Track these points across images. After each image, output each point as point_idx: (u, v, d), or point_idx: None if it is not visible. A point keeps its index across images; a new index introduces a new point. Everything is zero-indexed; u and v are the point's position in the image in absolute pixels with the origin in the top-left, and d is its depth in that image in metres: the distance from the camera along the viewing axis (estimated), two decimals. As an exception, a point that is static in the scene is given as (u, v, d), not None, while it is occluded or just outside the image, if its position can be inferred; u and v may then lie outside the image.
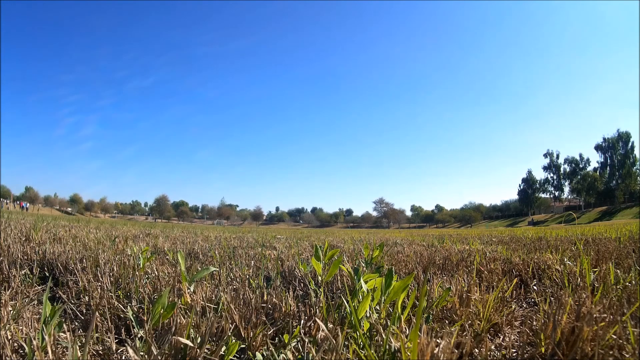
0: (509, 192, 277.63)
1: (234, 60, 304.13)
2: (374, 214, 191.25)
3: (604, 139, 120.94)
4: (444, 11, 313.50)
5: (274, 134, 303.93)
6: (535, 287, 3.74)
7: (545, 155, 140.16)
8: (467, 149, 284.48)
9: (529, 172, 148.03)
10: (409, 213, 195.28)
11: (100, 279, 3.26)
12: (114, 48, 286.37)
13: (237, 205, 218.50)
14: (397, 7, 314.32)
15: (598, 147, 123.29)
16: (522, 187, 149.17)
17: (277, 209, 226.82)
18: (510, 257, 5.11)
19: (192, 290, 2.87)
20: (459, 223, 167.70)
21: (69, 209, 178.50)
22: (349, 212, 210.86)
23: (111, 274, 3.43)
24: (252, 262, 4.76)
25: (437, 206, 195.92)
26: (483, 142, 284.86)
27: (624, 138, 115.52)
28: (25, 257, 4.28)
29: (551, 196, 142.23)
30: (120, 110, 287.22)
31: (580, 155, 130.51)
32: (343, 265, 3.55)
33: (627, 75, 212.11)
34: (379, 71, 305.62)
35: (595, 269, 3.91)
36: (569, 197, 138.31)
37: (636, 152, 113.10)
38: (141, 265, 3.70)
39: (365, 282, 2.54)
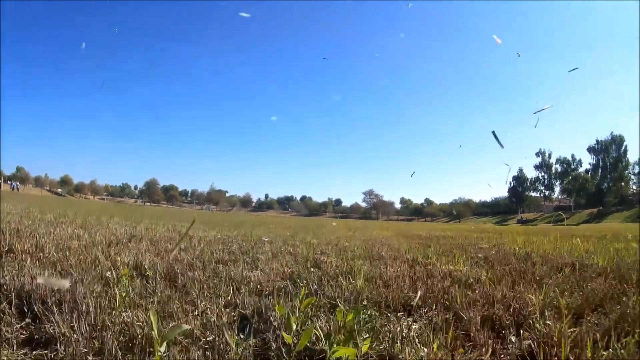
0: (499, 189, 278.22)
1: (229, 50, 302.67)
2: (363, 205, 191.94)
3: (597, 141, 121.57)
4: (442, 7, 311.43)
5: (267, 122, 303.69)
6: (514, 339, 3.69)
7: (537, 154, 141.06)
8: (458, 143, 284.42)
9: (520, 170, 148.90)
10: (398, 205, 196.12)
11: (76, 325, 3.17)
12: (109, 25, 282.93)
13: (227, 191, 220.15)
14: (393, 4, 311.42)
15: (591, 149, 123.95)
16: (512, 184, 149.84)
17: (267, 196, 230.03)
18: (492, 293, 5.06)
19: (162, 351, 2.78)
20: (447, 217, 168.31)
21: (59, 190, 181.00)
22: (338, 202, 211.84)
23: (87, 317, 3.35)
24: (231, 289, 4.71)
25: (427, 200, 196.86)
26: (474, 137, 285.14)
27: (617, 141, 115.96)
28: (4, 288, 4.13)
29: (541, 195, 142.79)
30: (112, 92, 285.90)
31: (573, 156, 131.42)
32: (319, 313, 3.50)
33: (623, 78, 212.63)
34: (374, 64, 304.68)
35: (581, 319, 3.91)
36: (560, 197, 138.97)
37: (629, 156, 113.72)
38: (118, 304, 3.65)
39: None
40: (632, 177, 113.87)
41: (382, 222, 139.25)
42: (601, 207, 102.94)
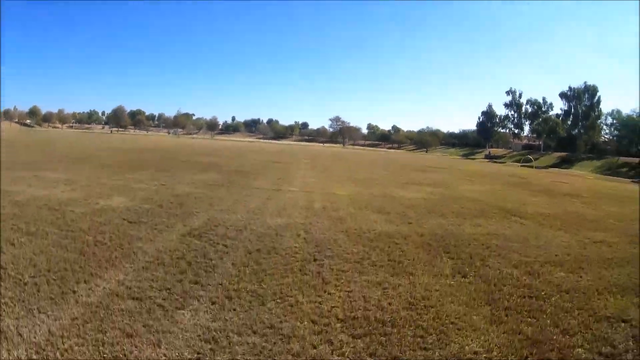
0: (468, 122, 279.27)
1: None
2: (330, 130, 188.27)
3: (570, 88, 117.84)
4: None
5: (235, 40, 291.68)
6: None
7: (507, 93, 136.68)
8: (431, 72, 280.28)
9: (490, 106, 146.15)
10: (365, 131, 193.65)
11: None
12: None
13: (194, 114, 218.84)
14: None
15: (563, 95, 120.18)
16: (481, 119, 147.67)
17: (233, 118, 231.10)
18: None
19: None
20: (414, 146, 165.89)
21: (28, 121, 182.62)
22: (305, 125, 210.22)
23: None
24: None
25: (394, 127, 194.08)
26: (448, 68, 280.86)
27: (590, 90, 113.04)
28: None
29: (510, 133, 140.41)
30: (77, 12, 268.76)
31: (544, 99, 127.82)
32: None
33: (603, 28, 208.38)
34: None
35: None
36: (529, 135, 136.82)
37: (602, 106, 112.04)
38: None
39: None
40: (605, 127, 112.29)
41: (347, 148, 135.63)
42: (571, 152, 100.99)
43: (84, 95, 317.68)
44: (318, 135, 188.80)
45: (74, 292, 6.30)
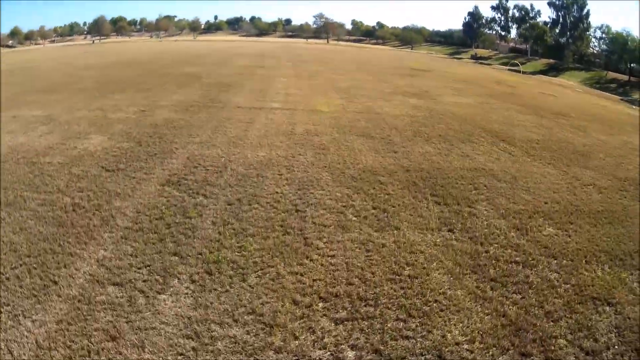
0: (453, 22, 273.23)
1: None
2: (314, 26, 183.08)
3: None
4: None
5: None
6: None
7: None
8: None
9: (476, 8, 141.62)
10: (349, 26, 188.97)
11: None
12: None
13: (175, 16, 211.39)
14: None
15: (551, 4, 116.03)
16: (467, 19, 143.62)
17: (216, 17, 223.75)
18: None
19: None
20: (399, 42, 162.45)
21: (10, 42, 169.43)
22: (288, 21, 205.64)
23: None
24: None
25: (379, 23, 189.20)
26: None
27: (579, 3, 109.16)
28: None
29: (497, 35, 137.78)
30: None
31: (532, 6, 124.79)
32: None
33: None
34: None
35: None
36: (516, 39, 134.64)
37: (590, 19, 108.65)
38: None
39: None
40: (594, 39, 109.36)
41: (331, 44, 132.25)
42: (558, 61, 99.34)
43: (64, 10, 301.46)
44: (302, 32, 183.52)
45: (56, 282, 5.89)
